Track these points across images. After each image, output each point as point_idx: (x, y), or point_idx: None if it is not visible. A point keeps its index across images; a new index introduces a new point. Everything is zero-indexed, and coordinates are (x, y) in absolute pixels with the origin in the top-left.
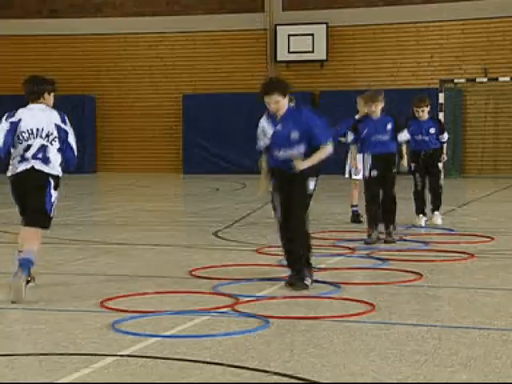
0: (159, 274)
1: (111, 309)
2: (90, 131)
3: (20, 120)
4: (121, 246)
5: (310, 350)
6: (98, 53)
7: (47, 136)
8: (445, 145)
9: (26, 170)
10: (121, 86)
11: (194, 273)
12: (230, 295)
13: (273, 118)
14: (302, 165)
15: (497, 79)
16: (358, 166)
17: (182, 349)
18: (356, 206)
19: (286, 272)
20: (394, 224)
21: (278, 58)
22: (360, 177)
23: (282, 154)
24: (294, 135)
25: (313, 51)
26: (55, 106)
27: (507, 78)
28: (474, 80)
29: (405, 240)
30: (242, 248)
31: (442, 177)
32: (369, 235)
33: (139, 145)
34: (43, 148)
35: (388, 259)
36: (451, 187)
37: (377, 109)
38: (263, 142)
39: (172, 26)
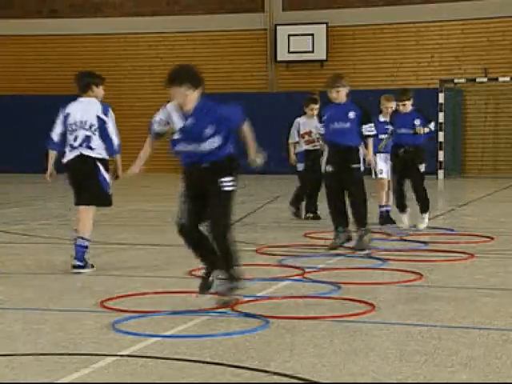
0: (159, 274)
1: (111, 309)
2: None
3: (68, 114)
4: (121, 245)
5: (310, 349)
6: (98, 53)
7: (90, 127)
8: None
9: (76, 157)
10: (121, 86)
11: (193, 273)
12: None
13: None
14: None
15: (497, 79)
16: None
17: (182, 349)
18: (384, 206)
19: (286, 272)
20: (364, 227)
21: (278, 58)
22: (384, 175)
23: (193, 149)
24: (209, 129)
25: (313, 51)
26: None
27: (507, 78)
28: (473, 80)
29: (405, 240)
30: (241, 248)
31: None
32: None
33: (139, 145)
34: (87, 138)
35: (388, 259)
36: (451, 187)
37: (339, 95)
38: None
39: (172, 25)
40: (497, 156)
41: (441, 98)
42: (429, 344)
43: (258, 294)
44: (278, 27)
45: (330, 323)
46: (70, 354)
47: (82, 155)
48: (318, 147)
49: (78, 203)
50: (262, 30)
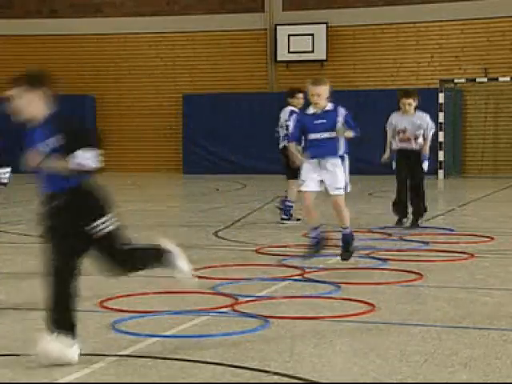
0: (159, 274)
1: (111, 309)
2: None
3: None
4: None
5: (310, 349)
6: (98, 53)
7: None
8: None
9: None
10: (121, 85)
11: (193, 273)
12: (230, 295)
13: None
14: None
15: (497, 79)
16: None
17: (181, 349)
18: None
19: (286, 272)
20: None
21: (278, 58)
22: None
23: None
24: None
25: (313, 51)
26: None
27: (507, 78)
28: (473, 80)
29: (405, 240)
30: (242, 248)
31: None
32: None
33: (139, 145)
34: None
35: (388, 259)
36: (451, 187)
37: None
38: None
39: (172, 25)
40: (497, 156)
41: (441, 97)
42: (429, 344)
43: (258, 294)
44: (278, 27)
45: (330, 323)
46: None
47: None
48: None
49: None
50: (262, 30)
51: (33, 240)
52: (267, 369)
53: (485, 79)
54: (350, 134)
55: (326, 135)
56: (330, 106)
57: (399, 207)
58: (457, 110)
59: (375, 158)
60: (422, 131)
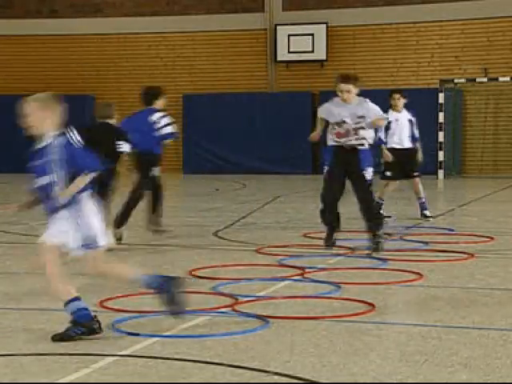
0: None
1: (111, 309)
2: None
3: None
4: (120, 245)
5: (310, 349)
6: (98, 53)
7: None
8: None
9: None
10: (121, 86)
11: (193, 273)
12: (230, 295)
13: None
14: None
15: (497, 79)
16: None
17: (181, 349)
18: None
19: (286, 272)
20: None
21: (278, 58)
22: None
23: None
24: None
25: (313, 51)
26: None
27: (507, 78)
28: (473, 80)
29: (405, 240)
30: (242, 248)
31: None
32: None
33: None
34: None
35: (388, 259)
36: (451, 187)
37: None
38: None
39: (172, 25)
40: (497, 156)
41: (441, 98)
42: (429, 344)
43: (258, 294)
44: (278, 27)
45: (330, 323)
46: (70, 354)
47: None
48: None
49: None
50: (262, 30)
51: (33, 240)
52: (267, 369)
53: (485, 79)
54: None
55: None
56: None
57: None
58: (457, 110)
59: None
60: (363, 123)
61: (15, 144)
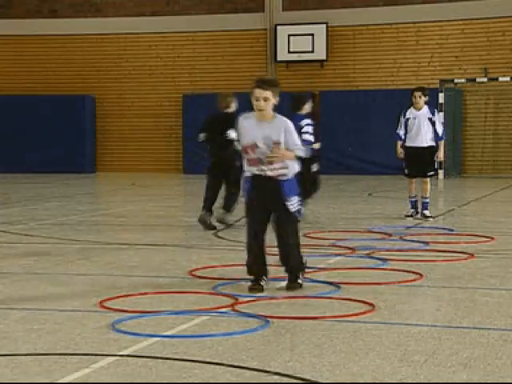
0: (159, 274)
1: (111, 309)
2: (90, 131)
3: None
4: (121, 245)
5: (310, 349)
6: (98, 53)
7: None
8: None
9: None
10: (121, 85)
11: (193, 273)
12: (230, 295)
13: None
14: None
15: (497, 79)
16: None
17: (181, 349)
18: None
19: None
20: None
21: (278, 58)
22: None
23: None
24: None
25: (313, 51)
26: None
27: (507, 78)
28: (473, 80)
29: (405, 240)
30: (242, 248)
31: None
32: None
33: (139, 145)
34: None
35: (388, 259)
36: (451, 187)
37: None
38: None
39: (172, 26)
40: (497, 156)
41: (441, 98)
42: (429, 344)
43: (258, 294)
44: (278, 27)
45: (330, 323)
46: (70, 354)
47: None
48: None
49: None
50: (262, 30)
51: (33, 240)
52: (267, 369)
53: (485, 79)
54: None
55: None
56: None
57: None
58: (457, 110)
59: (375, 157)
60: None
61: (16, 144)
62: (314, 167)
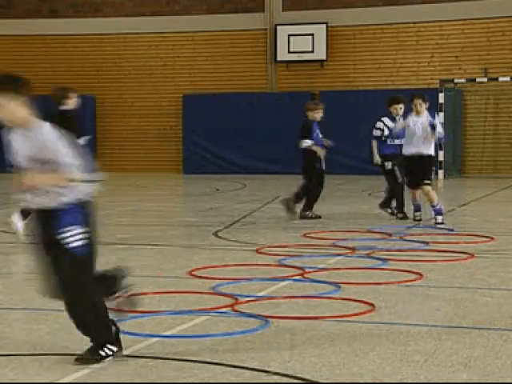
0: (159, 274)
1: (111, 309)
2: (90, 131)
3: None
4: (121, 245)
5: (310, 349)
6: (98, 53)
7: None
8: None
9: None
10: (121, 85)
11: (193, 273)
12: (230, 295)
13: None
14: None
15: (497, 79)
16: None
17: (181, 349)
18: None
19: (286, 272)
20: None
21: (278, 58)
22: None
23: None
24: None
25: (313, 51)
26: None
27: (507, 78)
28: (473, 80)
29: (405, 240)
30: (242, 248)
31: None
32: None
33: (139, 145)
34: None
35: (388, 259)
36: (451, 187)
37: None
38: None
39: (172, 26)
40: (497, 156)
41: (441, 98)
42: (429, 344)
43: (258, 294)
44: (278, 27)
45: (330, 323)
46: (69, 354)
47: None
48: None
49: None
50: (262, 30)
51: (33, 240)
52: (267, 369)
53: (485, 79)
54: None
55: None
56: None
57: None
58: (457, 110)
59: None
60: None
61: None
62: (389, 165)
